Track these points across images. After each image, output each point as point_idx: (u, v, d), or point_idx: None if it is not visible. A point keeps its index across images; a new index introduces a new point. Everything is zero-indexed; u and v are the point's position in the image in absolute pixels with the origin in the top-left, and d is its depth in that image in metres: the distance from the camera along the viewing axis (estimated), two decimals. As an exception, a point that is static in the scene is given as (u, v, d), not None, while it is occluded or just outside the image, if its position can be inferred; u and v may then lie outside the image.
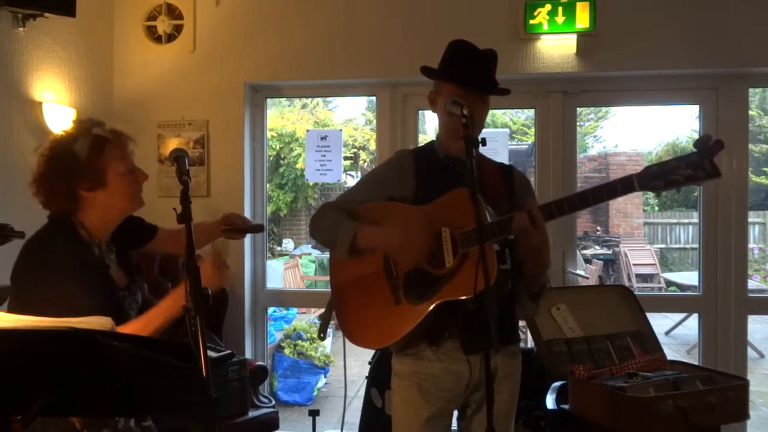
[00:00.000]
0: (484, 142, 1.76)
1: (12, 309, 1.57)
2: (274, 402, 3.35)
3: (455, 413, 1.95)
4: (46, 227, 1.65)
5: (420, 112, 3.65)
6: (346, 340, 1.91)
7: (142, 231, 1.96)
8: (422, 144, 2.12)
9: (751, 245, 9.90)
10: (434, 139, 2.02)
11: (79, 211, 1.64)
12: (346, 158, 9.01)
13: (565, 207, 1.68)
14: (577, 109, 3.65)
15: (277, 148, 9.19)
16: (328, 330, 5.50)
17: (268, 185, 3.98)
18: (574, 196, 1.68)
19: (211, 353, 2.79)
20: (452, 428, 1.95)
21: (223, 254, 1.68)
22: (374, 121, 4.37)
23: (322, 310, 2.08)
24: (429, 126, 13.65)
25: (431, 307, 1.73)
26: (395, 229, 1.78)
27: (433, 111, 1.96)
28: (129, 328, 1.57)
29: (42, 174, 1.63)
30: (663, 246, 12.33)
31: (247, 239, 3.58)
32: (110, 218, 1.70)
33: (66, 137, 1.64)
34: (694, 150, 1.56)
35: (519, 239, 1.70)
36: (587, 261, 9.20)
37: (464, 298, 1.68)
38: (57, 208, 1.65)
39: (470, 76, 1.83)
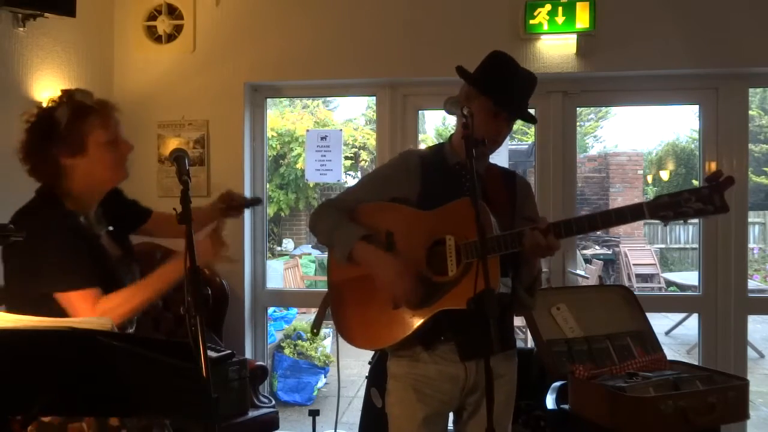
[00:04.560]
0: (484, 142, 1.76)
1: (7, 285, 1.58)
2: (274, 402, 3.36)
3: (451, 416, 1.94)
4: (31, 201, 1.64)
5: (420, 112, 3.65)
6: (341, 339, 1.90)
7: (135, 212, 1.93)
8: (430, 146, 2.08)
9: (751, 245, 9.91)
10: (443, 142, 1.99)
11: (63, 180, 1.63)
12: (346, 158, 9.01)
13: (573, 228, 1.70)
14: (577, 109, 3.65)
15: (278, 147, 9.19)
16: (329, 330, 5.51)
17: (268, 185, 3.98)
18: (583, 219, 1.70)
19: (211, 353, 2.78)
20: (449, 429, 1.95)
21: (220, 229, 1.69)
22: (374, 121, 4.37)
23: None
24: (429, 126, 13.71)
25: (430, 315, 1.73)
26: (390, 265, 1.74)
27: (451, 113, 1.84)
28: (124, 292, 1.58)
29: (25, 141, 1.63)
30: (663, 246, 12.33)
31: (247, 240, 3.58)
32: (93, 187, 1.68)
33: (49, 105, 1.64)
34: (705, 183, 1.61)
35: (528, 253, 1.71)
36: (587, 261, 9.21)
37: (464, 308, 1.67)
38: (42, 177, 1.64)
39: (508, 96, 1.80)
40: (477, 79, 1.86)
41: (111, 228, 1.79)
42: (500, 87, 1.81)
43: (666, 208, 1.62)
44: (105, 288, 1.59)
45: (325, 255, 1.99)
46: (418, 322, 1.75)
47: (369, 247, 1.78)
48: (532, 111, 2.00)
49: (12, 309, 1.58)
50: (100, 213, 1.76)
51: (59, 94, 1.67)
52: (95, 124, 1.62)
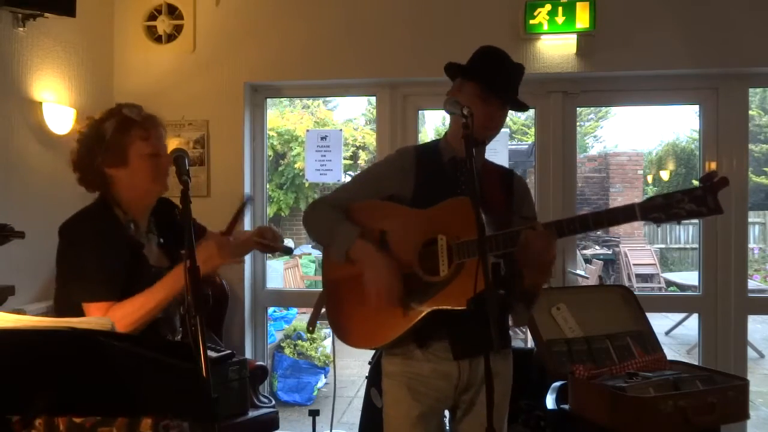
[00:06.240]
0: (484, 142, 1.76)
1: (57, 286, 1.67)
2: (274, 402, 3.36)
3: (447, 414, 1.94)
4: (87, 207, 1.71)
5: (420, 112, 3.65)
6: (336, 338, 1.90)
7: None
8: (426, 142, 2.08)
9: (751, 245, 9.91)
10: (439, 137, 1.99)
11: (110, 189, 1.70)
12: (346, 158, 9.01)
13: (564, 229, 1.68)
14: (577, 109, 3.65)
15: (277, 147, 9.19)
16: (329, 330, 5.51)
17: (268, 185, 3.98)
18: (575, 220, 1.68)
19: (211, 353, 2.79)
20: (446, 428, 1.95)
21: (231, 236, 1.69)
22: (374, 121, 4.37)
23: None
24: (429, 126, 13.71)
25: (422, 314, 1.73)
26: (376, 263, 1.74)
27: (451, 113, 1.85)
28: (134, 301, 1.62)
29: (76, 151, 1.70)
30: (663, 246, 12.34)
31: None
32: (138, 198, 1.73)
33: (99, 117, 1.72)
34: (699, 184, 1.58)
35: (524, 253, 1.68)
36: (587, 261, 9.21)
37: (457, 308, 1.67)
38: (90, 186, 1.72)
39: (495, 80, 1.81)
40: (465, 67, 1.87)
41: (162, 240, 1.82)
42: (487, 71, 1.82)
43: (658, 209, 1.59)
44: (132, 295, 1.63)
45: (325, 255, 1.98)
46: (411, 321, 1.74)
47: (367, 245, 1.78)
48: (531, 111, 1.99)
49: (57, 312, 1.68)
50: (152, 224, 1.80)
51: (113, 107, 1.74)
52: (137, 136, 1.68)
